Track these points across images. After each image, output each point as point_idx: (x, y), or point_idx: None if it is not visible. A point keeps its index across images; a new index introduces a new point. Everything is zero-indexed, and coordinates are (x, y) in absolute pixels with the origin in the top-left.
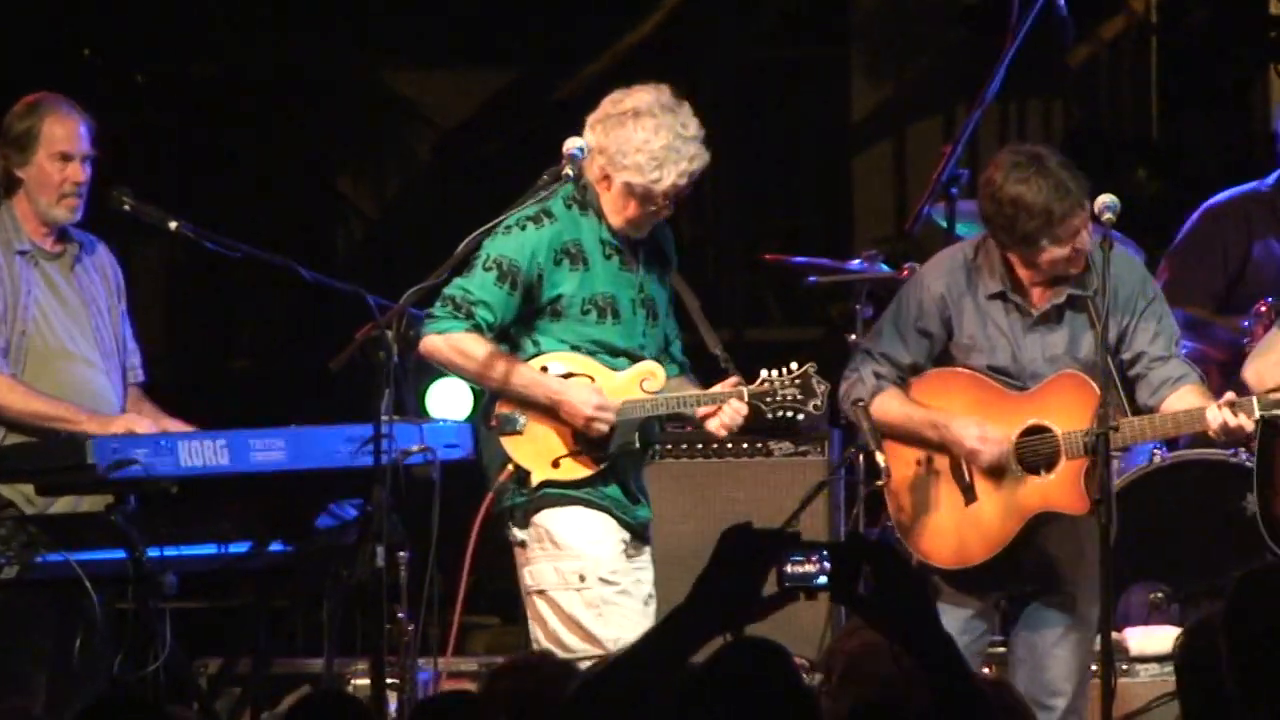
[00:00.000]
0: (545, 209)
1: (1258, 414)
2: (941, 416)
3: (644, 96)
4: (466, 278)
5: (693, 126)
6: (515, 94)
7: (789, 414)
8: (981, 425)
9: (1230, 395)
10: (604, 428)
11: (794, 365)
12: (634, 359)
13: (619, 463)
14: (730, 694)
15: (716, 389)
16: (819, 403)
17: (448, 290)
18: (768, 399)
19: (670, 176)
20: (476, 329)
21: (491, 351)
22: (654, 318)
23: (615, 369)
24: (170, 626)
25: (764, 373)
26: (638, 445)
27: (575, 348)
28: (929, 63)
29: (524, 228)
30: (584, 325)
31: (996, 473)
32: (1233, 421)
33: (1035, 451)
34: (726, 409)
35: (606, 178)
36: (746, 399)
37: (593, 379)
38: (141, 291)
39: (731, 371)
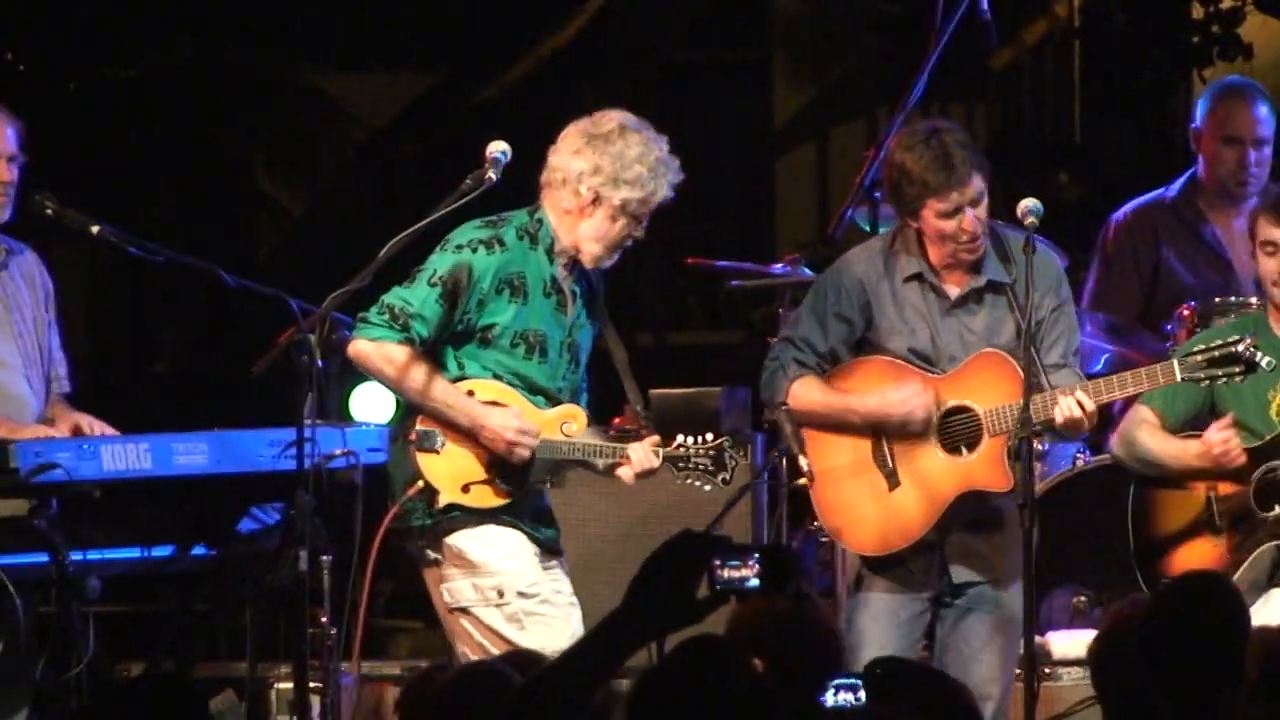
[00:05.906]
0: (499, 236)
1: (1179, 378)
2: (859, 399)
3: (619, 116)
4: (409, 289)
5: (665, 142)
6: (438, 97)
7: (696, 482)
8: (899, 389)
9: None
10: (526, 453)
11: (709, 436)
12: (550, 399)
13: (522, 498)
14: (683, 693)
15: (632, 446)
16: (728, 477)
17: (387, 298)
18: (680, 463)
19: (663, 189)
20: (409, 341)
21: (420, 366)
22: (575, 363)
23: (534, 406)
24: (93, 630)
25: (680, 437)
26: (549, 486)
27: (498, 377)
28: (851, 66)
29: (475, 250)
30: (511, 357)
31: (920, 455)
32: (1160, 380)
33: (957, 431)
34: (637, 452)
35: (596, 200)
36: (660, 457)
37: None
38: (63, 294)
39: (648, 431)
